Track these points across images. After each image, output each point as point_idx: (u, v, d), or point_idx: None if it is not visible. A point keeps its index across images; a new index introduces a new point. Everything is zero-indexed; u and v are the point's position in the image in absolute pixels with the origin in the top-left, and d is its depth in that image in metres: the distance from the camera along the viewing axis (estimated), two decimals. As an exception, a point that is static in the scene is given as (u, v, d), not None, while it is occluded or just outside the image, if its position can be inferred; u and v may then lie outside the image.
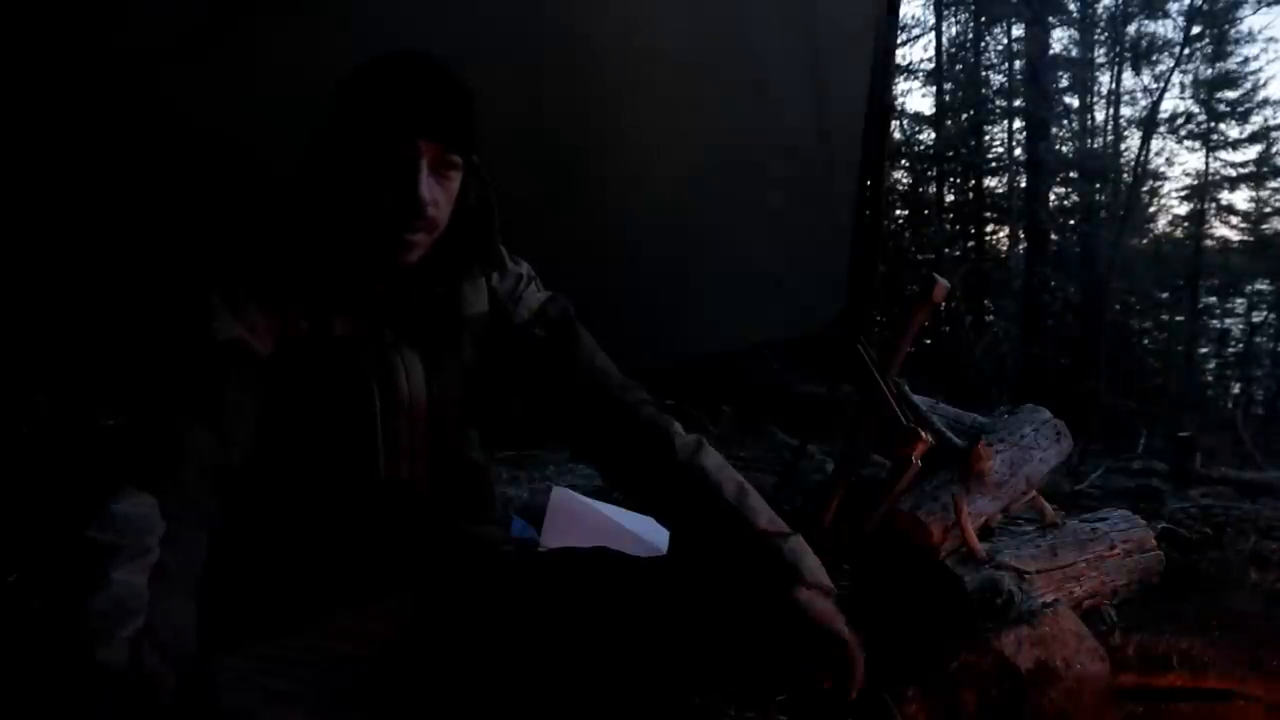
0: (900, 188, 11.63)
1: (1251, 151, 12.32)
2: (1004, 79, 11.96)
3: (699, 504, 1.09)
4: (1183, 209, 13.16)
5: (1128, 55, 11.31)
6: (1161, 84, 10.64)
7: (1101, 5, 11.27)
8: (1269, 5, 10.64)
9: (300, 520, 1.05)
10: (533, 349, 1.16)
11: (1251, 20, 14.01)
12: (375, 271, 1.03)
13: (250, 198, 1.16)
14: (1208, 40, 11.25)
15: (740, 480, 1.11)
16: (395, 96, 0.96)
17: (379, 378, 1.04)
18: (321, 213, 1.02)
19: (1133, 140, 11.86)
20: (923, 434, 1.95)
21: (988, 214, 12.08)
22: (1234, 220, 12.94)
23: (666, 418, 1.15)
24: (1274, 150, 12.30)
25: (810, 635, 1.01)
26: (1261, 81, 11.76)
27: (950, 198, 12.24)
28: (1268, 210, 12.72)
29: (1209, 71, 11.73)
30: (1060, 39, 11.47)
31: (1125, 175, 11.56)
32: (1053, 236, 10.97)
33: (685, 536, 1.14)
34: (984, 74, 11.92)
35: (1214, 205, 12.83)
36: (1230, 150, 12.33)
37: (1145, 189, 12.11)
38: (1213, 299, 12.61)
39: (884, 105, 2.28)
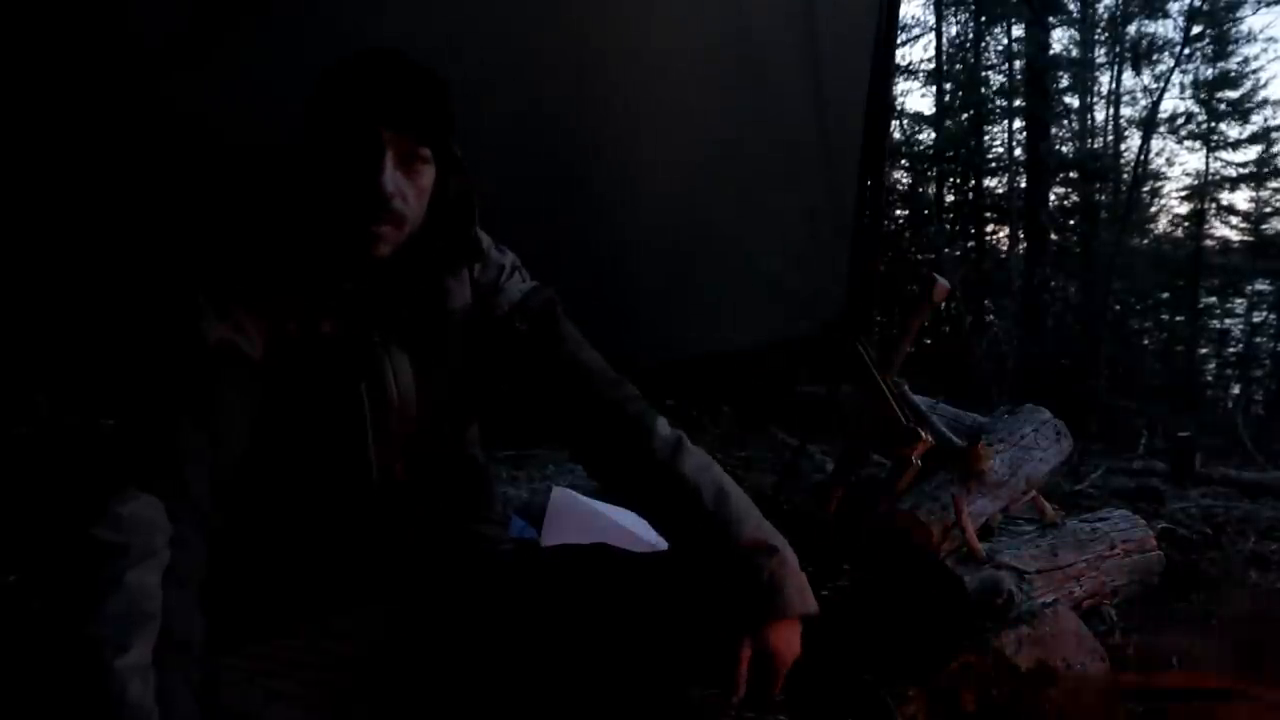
0: (900, 188, 11.64)
1: (1251, 151, 12.38)
2: (1004, 79, 11.98)
3: (674, 507, 1.07)
4: (1183, 209, 13.22)
5: (1128, 55, 11.34)
6: (1161, 84, 10.68)
7: (1101, 5, 11.30)
8: (1269, 5, 10.67)
9: (296, 521, 1.05)
10: (514, 341, 1.13)
11: (1251, 20, 13.99)
12: (346, 267, 1.01)
13: (234, 197, 1.15)
14: (1208, 40, 11.27)
15: (722, 484, 1.08)
16: (358, 87, 0.95)
17: (367, 378, 1.03)
18: (295, 209, 1.01)
19: (1133, 140, 11.92)
20: (923, 434, 1.95)
21: (988, 214, 12.09)
22: (1234, 220, 13.00)
23: (652, 415, 1.12)
24: (1274, 150, 12.34)
25: (759, 671, 1.01)
26: (1261, 81, 11.83)
27: (950, 198, 12.25)
28: (1268, 210, 12.77)
29: (1209, 71, 11.77)
30: (1060, 39, 11.51)
31: (1125, 175, 11.58)
32: (1053, 236, 10.97)
33: (665, 538, 1.13)
34: (984, 74, 11.94)
35: (1214, 205, 12.87)
36: (1230, 150, 12.38)
37: (1145, 189, 12.15)
38: (1213, 299, 12.63)
39: (884, 105, 2.29)
